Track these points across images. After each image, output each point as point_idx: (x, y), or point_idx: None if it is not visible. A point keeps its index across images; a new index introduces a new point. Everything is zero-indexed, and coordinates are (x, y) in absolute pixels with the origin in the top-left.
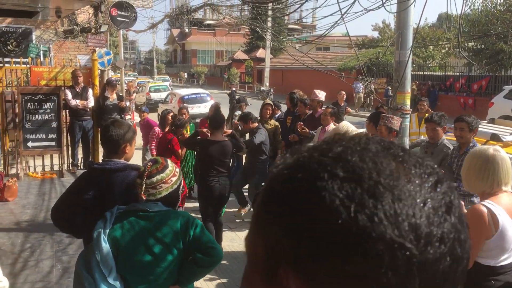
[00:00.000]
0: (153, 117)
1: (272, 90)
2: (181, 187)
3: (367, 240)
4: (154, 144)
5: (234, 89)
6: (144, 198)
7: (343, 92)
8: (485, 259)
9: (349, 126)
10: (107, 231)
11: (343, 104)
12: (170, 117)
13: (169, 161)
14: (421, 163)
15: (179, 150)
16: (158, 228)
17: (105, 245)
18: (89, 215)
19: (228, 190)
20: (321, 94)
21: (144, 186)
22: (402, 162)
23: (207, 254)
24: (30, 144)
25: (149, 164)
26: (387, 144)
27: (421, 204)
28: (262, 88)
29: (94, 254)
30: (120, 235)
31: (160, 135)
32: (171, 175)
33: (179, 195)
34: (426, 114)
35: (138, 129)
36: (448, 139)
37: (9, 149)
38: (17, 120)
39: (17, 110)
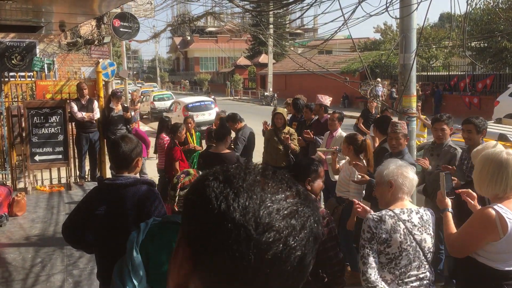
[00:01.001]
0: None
1: (275, 95)
2: None
3: (224, 221)
4: (165, 140)
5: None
6: (177, 209)
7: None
8: (495, 263)
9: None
10: (140, 241)
11: (374, 112)
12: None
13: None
14: (283, 183)
15: (178, 158)
16: None
17: (137, 256)
18: (100, 231)
19: None
20: (324, 99)
21: (177, 198)
22: (267, 179)
23: None
24: (37, 158)
25: (182, 176)
26: (265, 168)
27: (267, 205)
28: (265, 94)
29: (126, 264)
30: (151, 246)
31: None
32: None
33: None
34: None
35: None
36: (454, 140)
37: (16, 163)
38: (23, 135)
39: (23, 125)
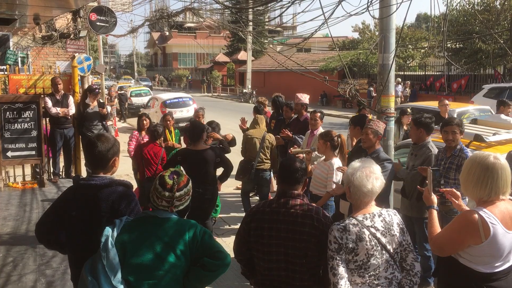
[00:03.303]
0: (135, 122)
1: (254, 92)
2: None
3: None
4: (132, 146)
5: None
6: (173, 211)
7: (447, 102)
8: (477, 265)
9: None
10: (115, 235)
11: (446, 116)
12: (144, 122)
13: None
14: None
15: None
16: (165, 233)
17: (112, 249)
18: (74, 233)
19: (209, 199)
20: (304, 97)
21: (174, 199)
22: None
23: (215, 257)
24: (9, 154)
25: (175, 177)
26: None
27: None
28: (244, 91)
29: (100, 258)
30: (127, 239)
31: (137, 137)
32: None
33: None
34: None
35: None
36: (434, 140)
37: None
38: None
39: None
